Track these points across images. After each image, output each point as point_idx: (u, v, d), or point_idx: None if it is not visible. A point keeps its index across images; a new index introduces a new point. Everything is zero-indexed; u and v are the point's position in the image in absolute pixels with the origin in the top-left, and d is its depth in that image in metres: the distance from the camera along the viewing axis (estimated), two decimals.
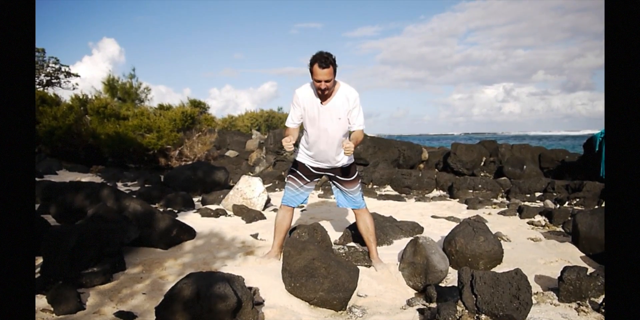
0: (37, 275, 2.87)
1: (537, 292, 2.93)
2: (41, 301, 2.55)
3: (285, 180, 3.57)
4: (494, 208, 6.21)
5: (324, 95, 3.11)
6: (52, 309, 2.48)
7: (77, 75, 21.19)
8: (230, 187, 6.29)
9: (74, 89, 20.55)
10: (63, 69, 20.65)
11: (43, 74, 19.74)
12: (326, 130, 3.21)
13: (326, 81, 2.99)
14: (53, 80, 20.30)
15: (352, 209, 3.55)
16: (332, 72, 2.98)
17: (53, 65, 20.27)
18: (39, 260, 3.07)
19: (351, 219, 4.14)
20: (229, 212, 5.34)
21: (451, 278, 3.19)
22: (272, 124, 22.64)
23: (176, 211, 5.35)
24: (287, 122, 3.34)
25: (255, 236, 4.23)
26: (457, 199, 7.15)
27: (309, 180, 3.47)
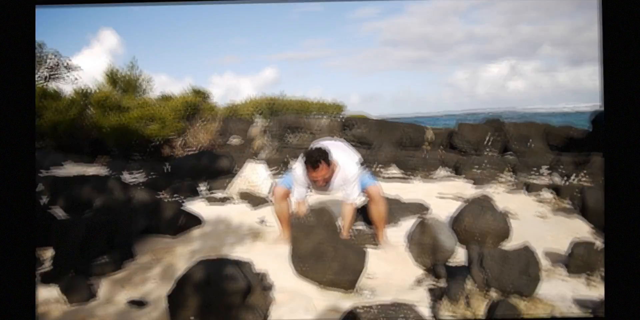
0: (49, 268, 2.91)
1: (546, 267, 2.93)
2: (54, 292, 2.59)
3: (292, 171, 3.53)
4: (501, 185, 6.19)
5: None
6: (65, 299, 2.52)
7: (77, 69, 21.02)
8: (235, 174, 6.29)
9: (75, 81, 20.40)
10: (64, 62, 20.48)
11: (44, 67, 19.58)
12: (328, 193, 3.55)
13: (322, 176, 3.08)
14: (54, 74, 20.17)
15: (365, 191, 3.40)
16: (325, 168, 3.05)
17: (53, 57, 20.08)
18: (50, 253, 3.10)
19: None
20: (235, 199, 5.35)
21: (459, 256, 3.20)
22: (275, 109, 22.51)
23: (183, 199, 5.36)
24: (297, 197, 3.41)
25: (262, 221, 4.25)
26: (463, 177, 7.12)
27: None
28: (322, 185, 3.25)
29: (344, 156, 3.27)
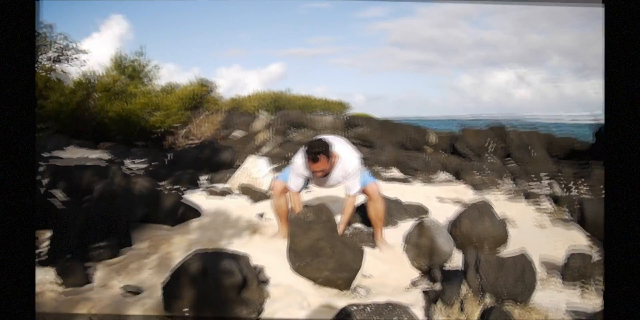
0: (46, 251, 2.92)
1: (542, 276, 2.93)
2: (50, 274, 2.59)
3: (292, 161, 3.56)
4: (501, 192, 6.19)
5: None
6: (60, 282, 2.53)
7: (85, 52, 20.92)
8: (237, 167, 6.30)
9: (82, 66, 20.32)
10: (71, 46, 20.39)
11: (52, 50, 19.49)
12: (328, 187, 3.53)
13: (322, 168, 3.09)
14: (61, 57, 20.07)
15: (364, 189, 3.39)
16: (325, 160, 3.05)
17: (61, 42, 20.00)
18: (48, 236, 3.11)
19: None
20: (235, 192, 5.36)
21: (456, 260, 3.20)
22: (280, 105, 22.48)
23: (183, 190, 5.37)
24: (292, 187, 3.39)
25: (261, 216, 4.25)
26: (464, 182, 7.12)
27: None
28: (322, 176, 3.25)
29: (345, 149, 3.27)
